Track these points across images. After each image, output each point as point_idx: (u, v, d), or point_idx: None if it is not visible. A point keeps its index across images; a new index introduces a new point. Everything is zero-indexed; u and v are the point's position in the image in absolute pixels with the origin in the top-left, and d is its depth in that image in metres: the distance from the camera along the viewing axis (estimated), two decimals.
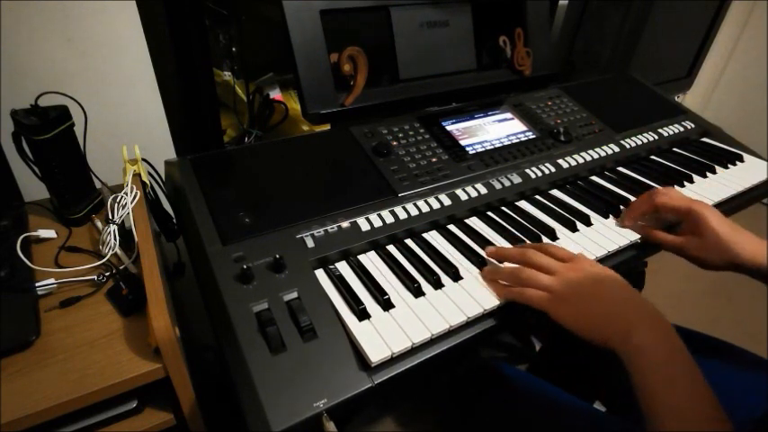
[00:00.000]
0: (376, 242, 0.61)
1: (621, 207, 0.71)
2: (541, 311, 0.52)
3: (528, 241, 0.64)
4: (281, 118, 1.01)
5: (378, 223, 0.62)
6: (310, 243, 0.58)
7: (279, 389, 0.43)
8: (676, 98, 1.74)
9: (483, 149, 0.78)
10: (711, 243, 0.59)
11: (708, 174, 0.83)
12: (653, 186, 0.77)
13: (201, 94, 0.85)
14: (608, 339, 0.47)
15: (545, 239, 0.64)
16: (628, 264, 0.65)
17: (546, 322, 0.51)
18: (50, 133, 0.60)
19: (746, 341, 0.70)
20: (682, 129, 0.95)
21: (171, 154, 0.89)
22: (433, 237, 0.65)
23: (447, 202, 0.67)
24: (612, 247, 0.64)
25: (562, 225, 0.68)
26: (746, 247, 0.58)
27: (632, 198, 0.74)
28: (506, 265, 0.58)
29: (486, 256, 0.60)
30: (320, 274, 0.56)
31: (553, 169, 0.77)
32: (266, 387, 0.43)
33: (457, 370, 0.74)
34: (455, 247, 0.63)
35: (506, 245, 0.63)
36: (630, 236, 0.66)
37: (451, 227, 0.67)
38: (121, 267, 0.60)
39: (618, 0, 1.26)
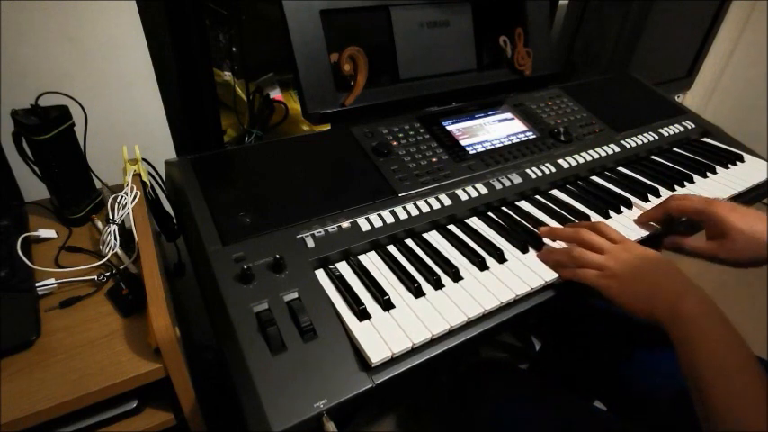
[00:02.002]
0: (376, 242, 0.61)
1: (622, 207, 0.71)
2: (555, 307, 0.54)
3: (529, 242, 0.64)
4: (281, 118, 1.00)
5: (378, 223, 0.62)
6: (311, 243, 0.58)
7: (279, 389, 0.43)
8: (676, 98, 1.74)
9: (483, 149, 0.78)
10: (741, 242, 0.58)
11: (708, 174, 0.83)
12: (653, 186, 0.77)
13: (202, 94, 0.85)
14: (653, 310, 0.50)
15: (545, 240, 0.64)
16: None
17: (547, 321, 0.52)
18: (50, 133, 0.60)
19: (746, 341, 0.70)
20: (682, 129, 0.95)
21: (171, 154, 0.89)
22: (434, 237, 0.64)
23: (447, 202, 0.67)
24: None
25: (562, 225, 0.68)
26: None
27: (632, 198, 0.74)
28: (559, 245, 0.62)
29: (540, 234, 0.64)
30: (320, 274, 0.56)
31: (553, 169, 0.77)
32: (266, 387, 0.43)
33: (457, 370, 0.74)
34: (455, 248, 0.63)
35: (507, 245, 0.63)
36: (631, 235, 0.66)
37: (452, 227, 0.67)
38: (121, 267, 0.60)
39: (618, 0, 1.26)
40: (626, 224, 0.69)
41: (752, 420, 0.40)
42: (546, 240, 0.63)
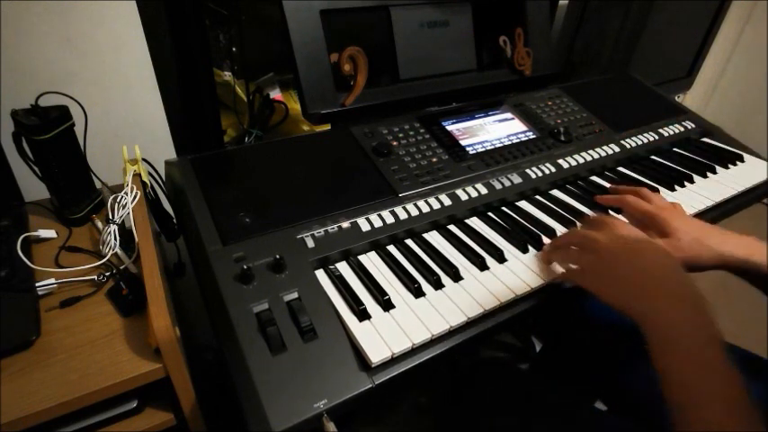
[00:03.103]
0: (376, 242, 0.61)
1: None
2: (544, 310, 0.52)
3: (529, 242, 0.63)
4: (281, 118, 1.00)
5: (378, 223, 0.62)
6: (311, 243, 0.57)
7: (279, 389, 0.43)
8: (676, 98, 1.74)
9: (483, 149, 0.78)
10: (684, 242, 0.59)
11: (708, 174, 0.83)
12: (653, 186, 0.77)
13: (202, 94, 0.85)
14: (630, 309, 0.47)
15: (545, 240, 0.64)
16: None
17: (547, 321, 0.52)
18: (50, 133, 0.60)
19: (747, 341, 0.70)
20: (682, 129, 0.95)
21: (171, 154, 0.89)
22: (434, 237, 0.64)
23: (447, 202, 0.67)
24: None
25: (562, 225, 0.68)
26: (726, 240, 0.59)
27: None
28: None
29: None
30: (320, 274, 0.56)
31: (553, 169, 0.77)
32: (266, 387, 0.43)
33: (457, 370, 0.74)
34: (455, 248, 0.63)
35: (507, 245, 0.63)
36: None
37: (452, 227, 0.67)
38: (122, 267, 0.60)
39: (618, 0, 1.26)
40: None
41: None
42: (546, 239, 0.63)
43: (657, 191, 0.76)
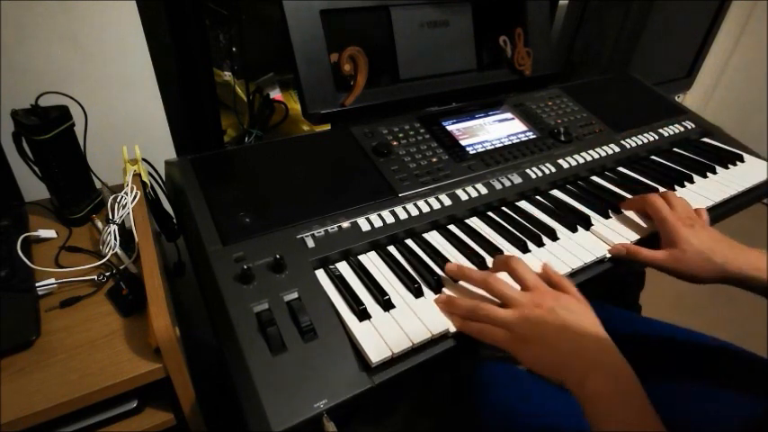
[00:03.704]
0: (376, 242, 0.61)
1: (621, 208, 0.72)
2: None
3: (529, 242, 0.64)
4: (281, 118, 1.00)
5: (378, 223, 0.62)
6: (311, 243, 0.58)
7: (279, 389, 0.43)
8: (676, 98, 1.74)
9: (483, 149, 0.78)
10: (690, 254, 0.58)
11: (708, 174, 0.83)
12: (653, 186, 0.78)
13: (201, 94, 0.85)
14: (564, 381, 0.45)
15: (545, 240, 0.64)
16: (628, 264, 0.65)
17: None
18: (51, 133, 0.60)
19: (746, 341, 0.70)
20: (682, 129, 0.95)
21: (171, 154, 0.89)
22: (434, 237, 0.64)
23: (447, 202, 0.67)
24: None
25: (562, 225, 0.68)
26: (736, 256, 0.58)
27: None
28: (464, 290, 0.56)
29: (447, 273, 0.56)
30: (320, 274, 0.56)
31: (553, 169, 0.77)
32: (266, 387, 0.43)
33: (457, 370, 0.74)
34: (455, 248, 0.62)
35: (506, 245, 0.63)
36: (630, 236, 0.66)
37: (452, 227, 0.67)
38: (121, 267, 0.60)
39: (618, 0, 1.26)
40: (626, 224, 0.69)
41: None
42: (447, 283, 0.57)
43: (657, 191, 0.76)
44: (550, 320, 0.48)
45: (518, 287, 0.52)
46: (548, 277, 0.53)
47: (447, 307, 0.53)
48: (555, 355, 0.46)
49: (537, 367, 0.47)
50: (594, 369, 0.44)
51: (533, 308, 0.48)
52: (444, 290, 0.55)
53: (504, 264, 0.54)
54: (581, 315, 0.49)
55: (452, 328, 0.51)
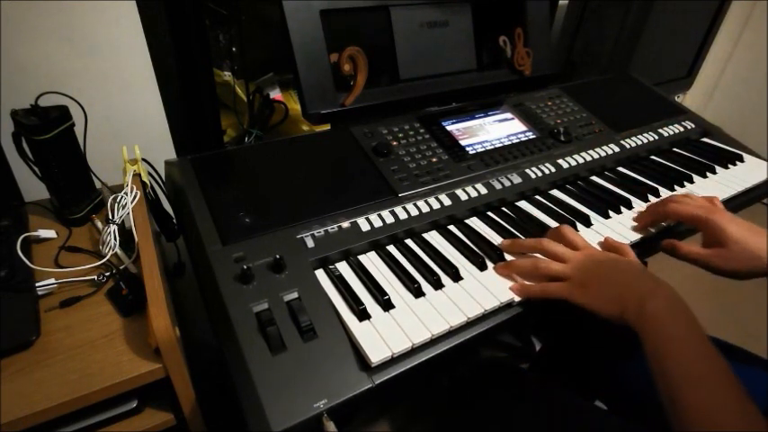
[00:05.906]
0: (376, 242, 0.61)
1: (621, 207, 0.71)
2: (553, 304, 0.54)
3: None
4: (281, 118, 1.00)
5: (378, 223, 0.62)
6: (310, 243, 0.58)
7: (279, 389, 0.43)
8: (676, 98, 1.74)
9: (483, 149, 0.78)
10: (737, 253, 0.58)
11: (708, 174, 0.83)
12: (653, 186, 0.77)
13: (201, 94, 0.85)
14: (623, 312, 0.49)
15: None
16: None
17: (547, 321, 0.52)
18: (50, 133, 0.60)
19: (746, 341, 0.70)
20: (682, 129, 0.95)
21: (171, 154, 0.89)
22: (433, 237, 0.64)
23: (447, 202, 0.67)
24: None
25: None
26: None
27: (632, 198, 0.74)
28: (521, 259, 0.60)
29: (502, 249, 0.61)
30: (320, 274, 0.56)
31: (553, 169, 0.77)
32: (266, 387, 0.43)
33: (457, 370, 0.74)
34: (455, 248, 0.63)
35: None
36: (630, 236, 0.66)
37: (451, 227, 0.67)
38: (121, 267, 0.60)
39: (618, 0, 1.26)
40: (626, 224, 0.69)
41: (721, 425, 0.39)
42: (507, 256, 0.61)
43: (657, 191, 0.76)
44: (603, 259, 0.55)
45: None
46: (608, 245, 0.60)
47: (507, 270, 0.58)
48: (613, 288, 0.51)
49: (598, 305, 0.51)
50: (651, 294, 0.48)
51: (584, 258, 0.55)
52: (444, 289, 0.55)
53: (556, 232, 0.60)
54: (632, 260, 0.55)
55: (453, 328, 0.51)
